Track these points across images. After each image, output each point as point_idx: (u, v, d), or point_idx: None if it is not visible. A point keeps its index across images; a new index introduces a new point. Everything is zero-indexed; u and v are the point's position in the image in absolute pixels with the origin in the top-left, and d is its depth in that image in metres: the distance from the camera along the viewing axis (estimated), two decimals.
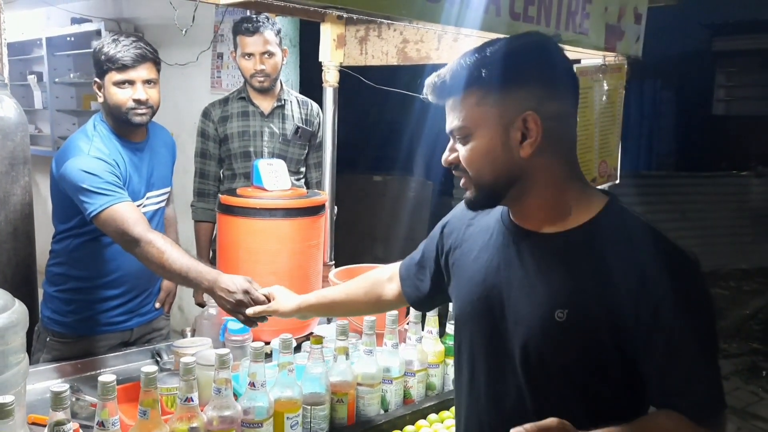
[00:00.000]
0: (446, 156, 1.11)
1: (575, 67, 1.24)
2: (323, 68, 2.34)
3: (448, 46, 2.01)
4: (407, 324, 1.78)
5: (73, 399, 1.64)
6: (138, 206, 1.95)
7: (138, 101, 1.91)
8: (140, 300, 2.14)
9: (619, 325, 0.99)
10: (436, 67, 2.38)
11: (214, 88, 3.98)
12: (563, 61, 1.08)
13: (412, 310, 1.70)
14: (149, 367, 1.25)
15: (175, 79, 4.21)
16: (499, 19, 1.27)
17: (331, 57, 2.30)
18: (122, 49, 1.87)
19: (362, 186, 6.07)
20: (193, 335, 2.01)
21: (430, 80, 1.11)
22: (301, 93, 3.32)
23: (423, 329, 1.75)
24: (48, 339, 2.05)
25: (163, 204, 2.16)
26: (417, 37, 2.12)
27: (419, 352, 1.71)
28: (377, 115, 5.83)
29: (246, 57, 2.47)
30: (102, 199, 1.80)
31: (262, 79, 2.48)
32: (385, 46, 2.21)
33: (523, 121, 1.02)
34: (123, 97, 1.91)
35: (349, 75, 2.41)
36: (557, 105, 1.05)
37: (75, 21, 4.72)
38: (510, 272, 1.10)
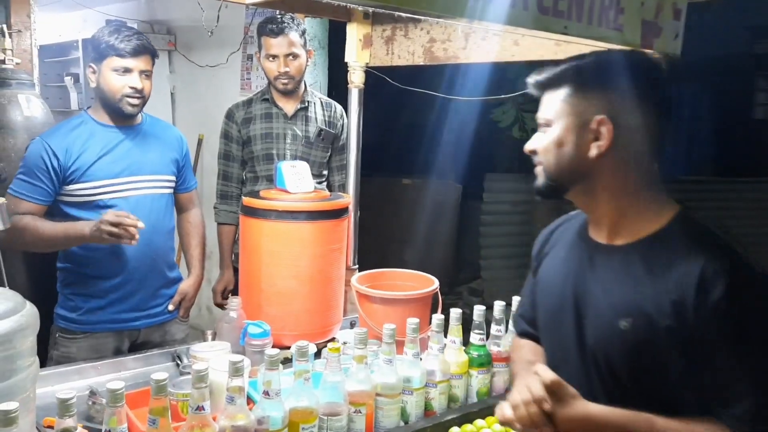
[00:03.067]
0: (527, 144, 1.21)
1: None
2: (349, 69, 2.30)
3: (476, 45, 1.95)
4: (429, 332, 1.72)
5: (90, 402, 1.62)
6: (108, 185, 2.02)
7: (134, 89, 1.98)
8: (146, 297, 2.13)
9: (677, 335, 1.03)
10: (463, 67, 2.31)
11: (244, 90, 3.98)
12: (654, 80, 1.13)
13: (434, 317, 1.64)
14: (159, 375, 1.21)
15: (206, 81, 4.23)
16: (527, 14, 1.20)
17: (357, 57, 2.26)
18: (124, 39, 1.95)
19: (391, 189, 6.02)
20: (214, 338, 1.98)
21: (536, 72, 1.20)
22: (329, 95, 3.29)
23: (446, 338, 1.69)
24: (57, 335, 2.06)
25: (162, 191, 2.15)
26: (444, 36, 2.06)
27: (441, 363, 1.64)
28: (408, 117, 5.77)
29: (270, 58, 2.44)
30: (16, 184, 1.95)
31: (285, 81, 2.45)
32: (411, 46, 2.16)
33: (597, 124, 1.10)
34: (119, 84, 1.99)
35: (378, 76, 2.37)
36: (634, 117, 1.10)
37: (109, 23, 4.78)
38: (584, 284, 1.17)
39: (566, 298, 1.20)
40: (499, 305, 1.77)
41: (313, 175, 2.43)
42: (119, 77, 1.98)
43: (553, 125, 1.15)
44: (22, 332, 1.16)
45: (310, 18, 3.38)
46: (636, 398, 1.08)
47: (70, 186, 2.00)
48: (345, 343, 1.75)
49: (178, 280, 2.26)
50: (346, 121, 2.50)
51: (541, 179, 1.20)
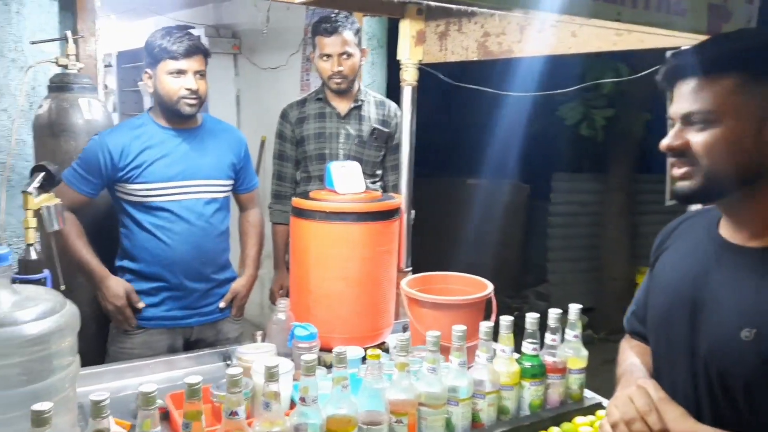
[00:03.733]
0: (671, 141, 1.04)
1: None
2: (401, 66, 2.24)
3: (532, 38, 1.85)
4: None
5: (138, 402, 1.64)
6: (162, 188, 2.04)
7: (190, 90, 2.00)
8: (197, 297, 2.14)
9: None
10: (527, 62, 2.21)
11: (304, 91, 3.99)
12: None
13: (482, 325, 1.56)
14: (192, 378, 1.20)
15: (268, 83, 4.28)
16: (576, 0, 1.11)
17: (410, 54, 2.20)
18: (176, 41, 1.96)
19: (455, 190, 5.92)
20: (263, 339, 1.98)
21: (673, 56, 1.05)
22: (388, 94, 3.25)
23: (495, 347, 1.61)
24: (114, 331, 2.11)
25: (215, 196, 2.15)
26: (498, 29, 1.97)
27: (491, 372, 1.56)
28: (471, 115, 5.65)
29: (324, 58, 2.42)
30: (69, 172, 2.02)
31: (339, 80, 2.42)
32: (465, 41, 2.08)
33: None
34: (175, 86, 2.00)
35: (435, 74, 2.30)
36: None
37: (165, 27, 4.90)
38: (706, 285, 1.06)
39: (683, 295, 1.09)
40: (554, 313, 1.67)
41: (366, 174, 2.39)
42: (174, 79, 2.00)
43: (723, 120, 0.98)
44: (60, 332, 1.16)
45: (369, 17, 3.35)
46: (748, 424, 0.97)
47: (128, 185, 2.04)
48: (395, 347, 1.70)
49: (232, 279, 2.27)
50: (400, 119, 2.45)
51: (695, 182, 1.03)
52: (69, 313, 1.22)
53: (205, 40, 4.37)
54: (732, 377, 0.99)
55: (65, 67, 2.19)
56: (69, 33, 2.21)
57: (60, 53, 2.33)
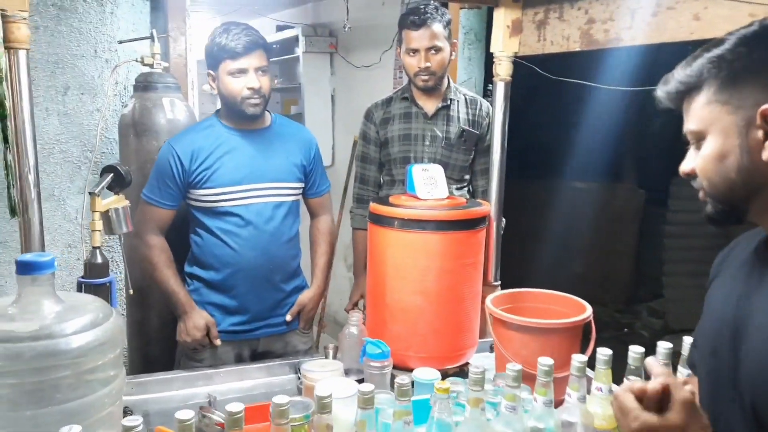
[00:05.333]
0: (682, 165, 1.02)
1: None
2: (494, 60, 2.04)
3: (645, 23, 1.59)
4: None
5: (200, 416, 1.56)
6: (229, 192, 1.97)
7: (252, 89, 1.92)
8: (264, 308, 2.06)
9: None
10: (630, 53, 1.93)
11: (396, 90, 3.87)
12: None
13: (574, 358, 1.34)
14: (234, 406, 1.09)
15: (361, 81, 4.19)
16: None
17: (503, 46, 1.99)
18: (234, 38, 1.88)
19: (561, 193, 5.56)
20: (335, 354, 1.87)
21: (662, 83, 1.02)
22: (485, 91, 3.04)
23: (590, 385, 1.38)
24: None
25: (284, 199, 2.05)
26: (605, 15, 1.72)
27: (583, 414, 1.34)
28: (577, 112, 5.28)
29: (410, 53, 2.26)
30: (147, 188, 1.99)
31: (426, 77, 2.25)
32: (566, 29, 1.84)
33: (762, 117, 0.89)
34: (237, 86, 1.93)
35: (532, 67, 2.08)
36: None
37: (279, 29, 4.95)
38: (748, 307, 0.98)
39: (725, 320, 1.01)
40: (663, 347, 1.41)
41: (453, 179, 2.21)
42: (236, 80, 1.93)
43: (707, 136, 0.95)
44: (101, 348, 1.09)
45: (466, 9, 3.16)
46: None
47: (195, 190, 1.98)
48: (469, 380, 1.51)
49: (302, 287, 2.16)
50: (492, 119, 2.24)
51: (709, 206, 0.99)
52: (113, 326, 1.14)
53: (302, 40, 4.38)
54: (764, 410, 0.90)
55: (151, 66, 2.18)
56: (154, 32, 2.20)
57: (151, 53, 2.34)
